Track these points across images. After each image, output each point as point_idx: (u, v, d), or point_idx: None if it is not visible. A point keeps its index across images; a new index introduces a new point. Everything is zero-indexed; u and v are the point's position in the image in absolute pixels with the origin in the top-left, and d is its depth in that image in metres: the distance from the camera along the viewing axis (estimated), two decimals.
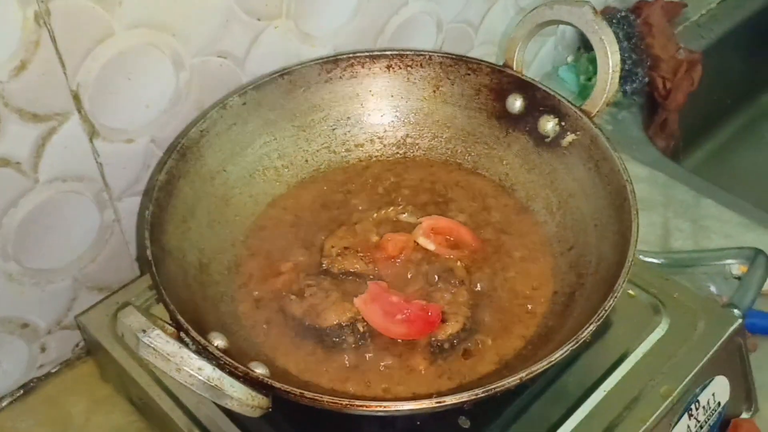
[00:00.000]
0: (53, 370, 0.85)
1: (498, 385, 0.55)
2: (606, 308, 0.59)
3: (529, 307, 0.70)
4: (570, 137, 0.75)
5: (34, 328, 0.80)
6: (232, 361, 0.56)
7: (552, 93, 0.77)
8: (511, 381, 0.56)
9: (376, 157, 0.85)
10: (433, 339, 0.66)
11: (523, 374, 0.56)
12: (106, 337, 0.74)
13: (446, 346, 0.66)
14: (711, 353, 0.72)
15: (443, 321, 0.67)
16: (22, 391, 0.83)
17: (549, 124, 0.77)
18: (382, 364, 0.66)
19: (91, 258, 0.81)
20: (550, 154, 0.77)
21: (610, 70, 0.72)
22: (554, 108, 0.76)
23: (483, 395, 0.55)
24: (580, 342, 0.58)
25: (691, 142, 1.34)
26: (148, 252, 0.64)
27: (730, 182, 1.12)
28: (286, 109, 0.81)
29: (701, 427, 0.74)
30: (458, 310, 0.67)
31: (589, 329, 0.58)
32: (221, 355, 0.57)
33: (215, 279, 0.71)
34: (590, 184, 0.73)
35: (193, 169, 0.74)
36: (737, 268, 0.92)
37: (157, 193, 0.68)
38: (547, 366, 0.56)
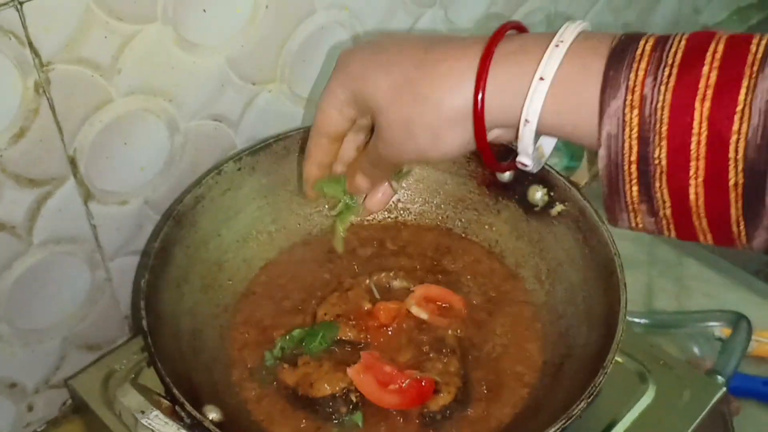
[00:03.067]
0: (39, 429, 0.84)
1: None
2: (597, 384, 0.60)
3: (520, 377, 0.71)
4: (558, 207, 0.77)
5: (22, 387, 0.80)
6: None
7: None
8: None
9: (368, 221, 0.86)
10: (425, 410, 0.67)
11: None
12: (96, 401, 0.73)
13: (438, 417, 0.67)
14: (696, 422, 0.73)
15: (435, 392, 0.68)
16: None
17: (538, 194, 0.78)
18: None
19: (81, 317, 0.81)
20: (538, 223, 0.79)
21: None
22: (543, 178, 0.77)
23: None
24: (572, 419, 0.59)
25: None
26: (144, 323, 0.64)
27: None
28: (279, 174, 0.82)
29: None
30: (450, 380, 0.68)
31: (579, 406, 0.59)
32: (216, 430, 0.57)
33: (208, 345, 0.72)
34: (579, 254, 0.74)
35: (188, 235, 0.74)
36: (720, 330, 0.94)
37: (152, 261, 0.69)
38: None
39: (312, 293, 0.78)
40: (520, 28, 0.55)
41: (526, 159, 0.54)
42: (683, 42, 0.47)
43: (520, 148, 0.53)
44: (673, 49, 0.46)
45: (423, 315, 0.74)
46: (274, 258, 0.82)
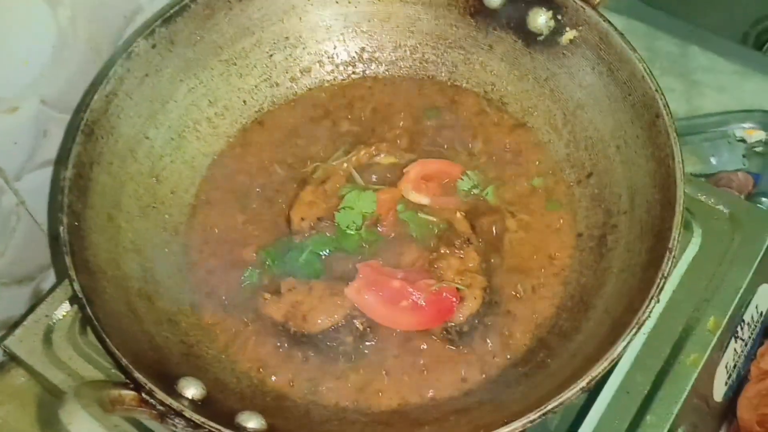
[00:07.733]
0: None
1: (555, 403, 0.45)
2: (665, 274, 0.48)
3: (552, 258, 0.59)
4: (570, 34, 0.62)
5: None
6: (218, 427, 0.45)
7: None
8: (572, 393, 0.45)
9: (328, 81, 0.70)
10: (449, 324, 0.55)
11: (582, 384, 0.45)
12: (40, 362, 0.61)
13: (466, 328, 0.55)
14: (756, 264, 0.62)
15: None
16: None
17: (540, 19, 0.63)
18: (394, 365, 0.54)
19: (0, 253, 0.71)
20: (545, 57, 0.64)
21: None
22: None
23: (538, 419, 0.45)
24: (641, 324, 0.47)
25: None
26: (76, 286, 0.51)
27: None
28: (207, 41, 0.66)
29: (746, 345, 0.66)
30: (472, 280, 0.56)
31: (650, 307, 0.47)
32: (203, 420, 0.45)
33: (165, 285, 0.58)
34: (604, 93, 0.61)
35: (107, 149, 0.59)
36: (741, 130, 0.82)
37: (68, 198, 0.54)
38: (609, 366, 0.46)
39: (279, 191, 0.63)
40: None
41: None
42: None
43: None
44: None
45: (423, 200, 0.60)
46: (221, 150, 0.66)
